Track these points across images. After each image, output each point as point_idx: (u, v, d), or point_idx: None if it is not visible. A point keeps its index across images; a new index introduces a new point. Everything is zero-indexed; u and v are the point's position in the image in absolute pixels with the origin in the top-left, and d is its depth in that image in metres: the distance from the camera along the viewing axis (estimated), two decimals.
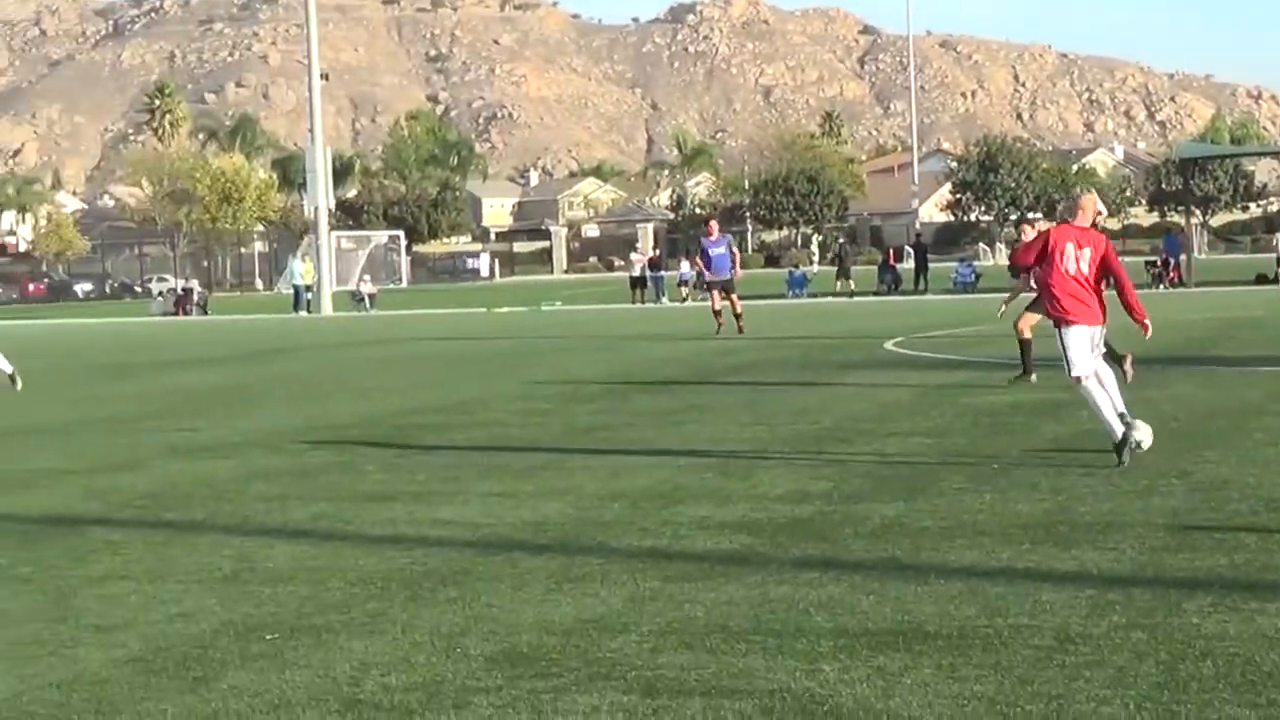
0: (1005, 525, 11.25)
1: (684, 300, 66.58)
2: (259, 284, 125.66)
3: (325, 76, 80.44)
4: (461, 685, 7.56)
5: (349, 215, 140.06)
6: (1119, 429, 13.65)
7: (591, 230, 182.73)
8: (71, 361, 36.64)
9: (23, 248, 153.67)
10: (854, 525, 11.43)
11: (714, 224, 39.22)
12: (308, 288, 71.56)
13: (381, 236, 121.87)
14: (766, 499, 12.72)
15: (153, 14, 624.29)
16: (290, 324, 59.35)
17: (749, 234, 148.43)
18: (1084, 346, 14.00)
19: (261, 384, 27.66)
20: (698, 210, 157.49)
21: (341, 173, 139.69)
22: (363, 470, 15.32)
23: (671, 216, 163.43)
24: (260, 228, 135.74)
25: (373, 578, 10.14)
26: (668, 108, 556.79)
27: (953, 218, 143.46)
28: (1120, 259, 14.70)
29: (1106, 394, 13.88)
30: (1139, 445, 13.75)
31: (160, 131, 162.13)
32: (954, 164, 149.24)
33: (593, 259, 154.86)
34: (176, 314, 75.28)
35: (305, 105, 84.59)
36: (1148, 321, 14.31)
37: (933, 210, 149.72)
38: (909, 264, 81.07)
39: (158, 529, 12.33)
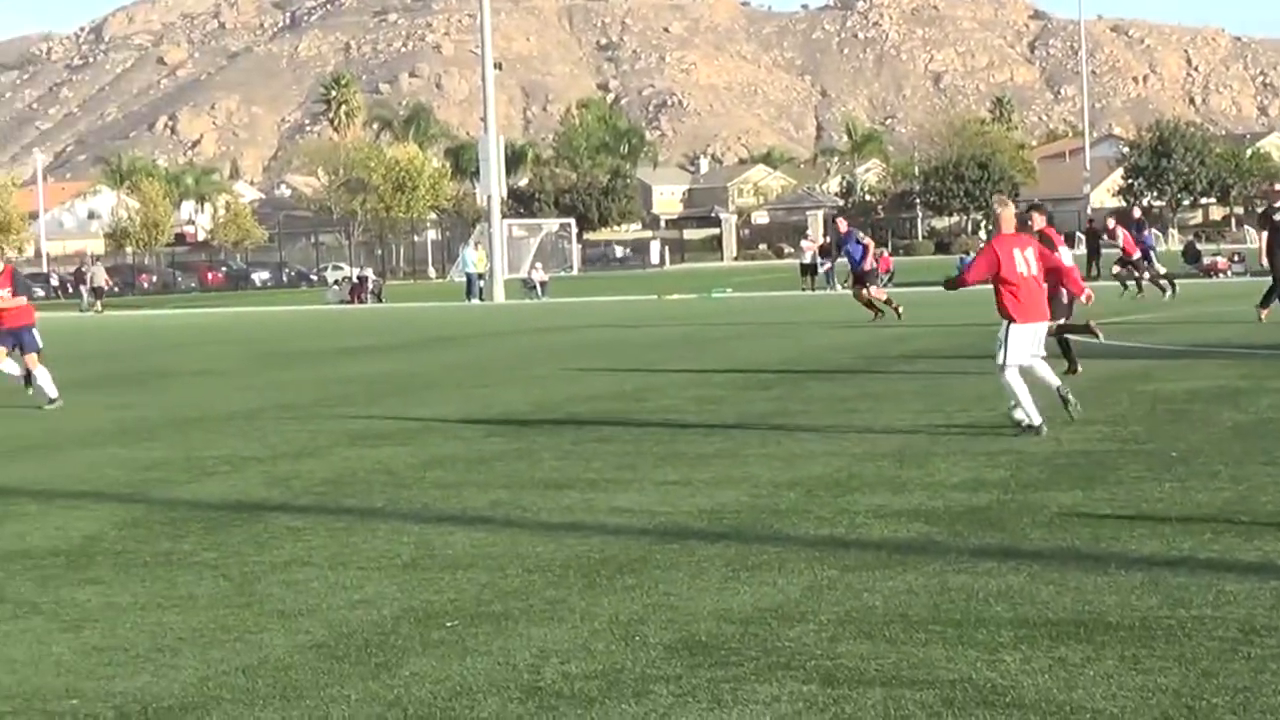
0: (1185, 514, 11.10)
1: (845, 286, 66.21)
2: (432, 272, 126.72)
3: (499, 66, 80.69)
4: (641, 674, 7.58)
5: (521, 203, 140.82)
6: (1037, 418, 15.34)
7: (761, 217, 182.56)
8: (250, 349, 37.15)
9: (201, 237, 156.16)
10: (1031, 514, 11.33)
11: (841, 220, 40.51)
12: (480, 275, 72.03)
13: (553, 224, 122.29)
14: (943, 487, 12.64)
15: (328, 5, 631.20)
16: (463, 311, 59.77)
17: (919, 220, 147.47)
18: (1025, 343, 15.56)
19: (436, 371, 27.88)
20: (867, 197, 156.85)
21: (514, 161, 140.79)
22: (539, 457, 15.40)
23: (841, 203, 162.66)
24: (433, 216, 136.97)
25: (550, 565, 10.19)
26: (837, 94, 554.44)
27: (1124, 203, 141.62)
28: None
29: (1025, 386, 15.45)
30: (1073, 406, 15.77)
31: (336, 122, 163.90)
32: (1126, 149, 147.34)
33: (762, 246, 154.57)
34: (351, 302, 76.16)
35: (478, 94, 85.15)
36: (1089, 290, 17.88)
37: (1104, 196, 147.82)
38: (1081, 249, 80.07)
39: (338, 515, 12.47)
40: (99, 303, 77.96)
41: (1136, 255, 44.55)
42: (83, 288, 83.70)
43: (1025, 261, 15.67)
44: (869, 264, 37.28)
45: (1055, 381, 15.99)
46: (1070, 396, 15.78)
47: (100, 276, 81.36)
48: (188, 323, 58.11)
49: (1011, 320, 15.57)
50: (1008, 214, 16.13)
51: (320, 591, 9.71)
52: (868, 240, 38.11)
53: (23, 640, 8.77)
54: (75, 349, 39.97)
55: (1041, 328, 15.91)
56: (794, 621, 8.46)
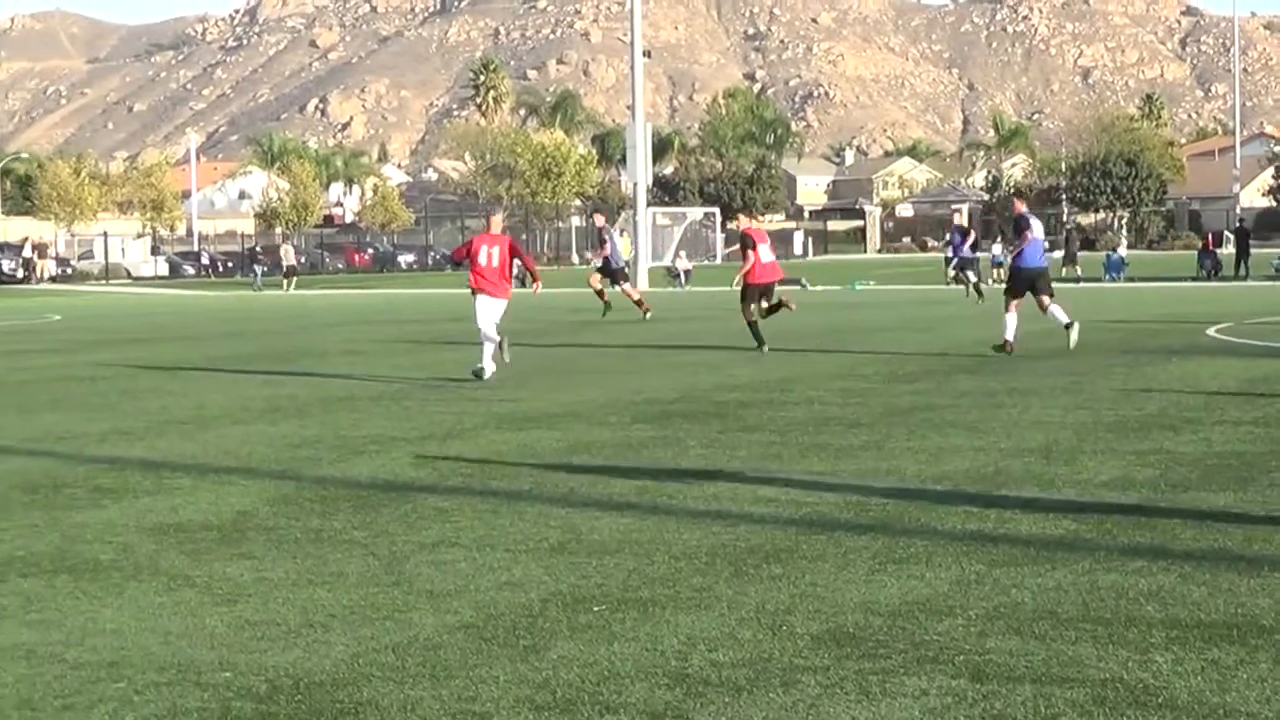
0: None
1: (996, 281, 65.92)
2: (575, 258, 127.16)
3: (647, 54, 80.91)
4: (789, 664, 7.57)
5: (666, 191, 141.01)
6: None
7: (905, 210, 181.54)
8: (398, 330, 37.44)
9: (349, 219, 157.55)
10: (1182, 514, 11.20)
11: (1019, 202, 39.77)
12: (625, 262, 72.14)
13: (697, 213, 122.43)
14: (1092, 485, 12.53)
15: None
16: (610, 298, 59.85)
17: (1065, 216, 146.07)
18: None
19: (581, 356, 27.98)
20: (1013, 192, 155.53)
21: (660, 149, 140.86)
22: (685, 445, 15.42)
23: (987, 197, 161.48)
24: (578, 203, 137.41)
25: (697, 553, 10.20)
26: (984, 88, 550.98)
27: (1275, 203, 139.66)
28: None
29: None
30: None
31: (484, 107, 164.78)
32: (1277, 148, 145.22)
33: (906, 239, 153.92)
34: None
35: (625, 82, 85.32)
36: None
37: (1254, 195, 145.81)
38: (1229, 249, 79.09)
39: (485, 497, 12.55)
40: (290, 281, 79.09)
41: None
42: (257, 267, 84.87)
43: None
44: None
45: None
46: None
47: (291, 256, 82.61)
48: (335, 303, 58.65)
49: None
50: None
51: (468, 572, 9.78)
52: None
53: (177, 613, 8.90)
54: (234, 327, 40.53)
55: None
56: (942, 615, 8.42)
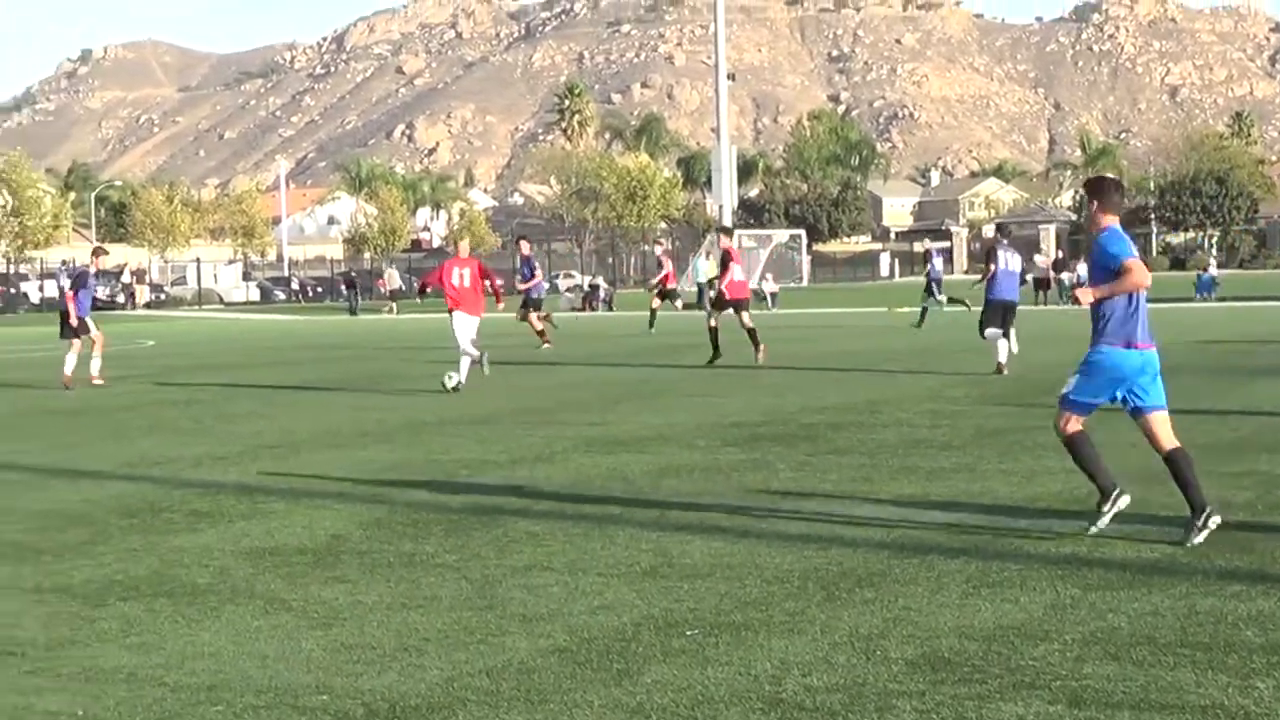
0: None
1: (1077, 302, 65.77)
2: None
3: (731, 77, 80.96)
4: (883, 689, 7.55)
5: (751, 214, 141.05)
6: None
7: (992, 231, 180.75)
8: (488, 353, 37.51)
9: (436, 243, 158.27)
10: None
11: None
12: (710, 285, 72.12)
13: (783, 235, 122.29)
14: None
15: (563, 16, 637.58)
16: (695, 320, 59.91)
17: (1154, 236, 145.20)
18: None
19: (670, 379, 28.00)
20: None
21: (744, 171, 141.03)
22: (774, 468, 15.41)
23: (1074, 218, 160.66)
24: (664, 225, 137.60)
25: (789, 576, 10.19)
26: (1070, 107, 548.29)
27: None
28: None
29: None
30: None
31: (569, 131, 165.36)
32: None
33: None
34: (583, 310, 76.72)
35: (709, 105, 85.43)
36: None
37: None
38: None
39: (576, 522, 12.57)
40: (393, 305, 79.51)
41: None
42: (352, 291, 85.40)
43: None
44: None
45: None
46: None
47: (395, 279, 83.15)
48: (424, 327, 58.86)
49: None
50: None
51: (560, 596, 9.80)
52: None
53: (273, 636, 8.96)
54: (324, 351, 40.76)
55: None
56: (1037, 640, 8.38)
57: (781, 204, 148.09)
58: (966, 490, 13.67)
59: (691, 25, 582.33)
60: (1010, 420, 19.31)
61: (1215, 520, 10.92)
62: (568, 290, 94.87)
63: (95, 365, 30.02)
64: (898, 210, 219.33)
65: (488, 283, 27.89)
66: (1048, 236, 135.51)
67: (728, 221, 75.07)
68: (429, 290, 31.38)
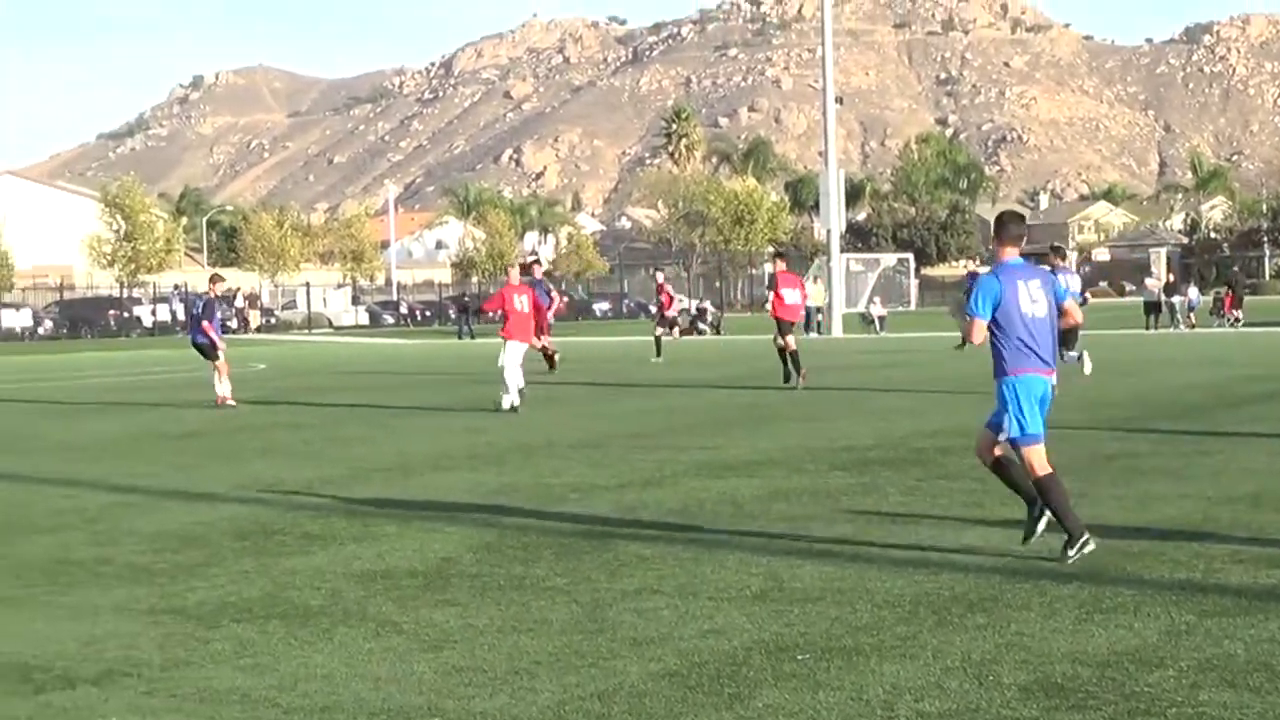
0: None
1: (1193, 326, 65.38)
2: (770, 306, 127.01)
3: (839, 100, 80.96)
4: (996, 714, 7.51)
5: (859, 237, 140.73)
6: None
7: (1102, 254, 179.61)
8: (594, 378, 37.63)
9: (544, 268, 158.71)
10: None
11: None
12: (818, 309, 72.06)
13: (890, 259, 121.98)
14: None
15: (670, 40, 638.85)
16: (802, 345, 59.81)
17: (1266, 259, 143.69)
18: None
19: (777, 403, 27.94)
20: (1212, 235, 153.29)
21: (852, 195, 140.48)
22: (884, 492, 15.36)
23: (1185, 240, 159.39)
24: (771, 249, 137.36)
25: (900, 601, 10.15)
26: (1181, 129, 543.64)
27: None
28: None
29: None
30: None
31: (676, 155, 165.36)
32: None
33: (1103, 283, 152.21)
34: (690, 333, 76.73)
35: (817, 128, 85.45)
36: None
37: None
38: None
39: (686, 546, 12.57)
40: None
41: None
42: (464, 315, 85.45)
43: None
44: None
45: None
46: None
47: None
48: (532, 351, 59.06)
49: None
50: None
51: (671, 620, 9.80)
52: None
53: (385, 658, 9.01)
54: (434, 375, 40.97)
55: None
56: (1152, 667, 8.31)
57: (889, 227, 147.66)
58: (1080, 516, 13.55)
59: (799, 49, 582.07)
60: (1123, 445, 19.17)
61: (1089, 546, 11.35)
62: (675, 314, 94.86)
63: (225, 388, 31.63)
64: None
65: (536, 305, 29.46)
66: (1159, 260, 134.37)
67: (835, 247, 74.94)
68: (490, 314, 32.63)
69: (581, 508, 14.93)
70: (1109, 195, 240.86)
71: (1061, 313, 12.04)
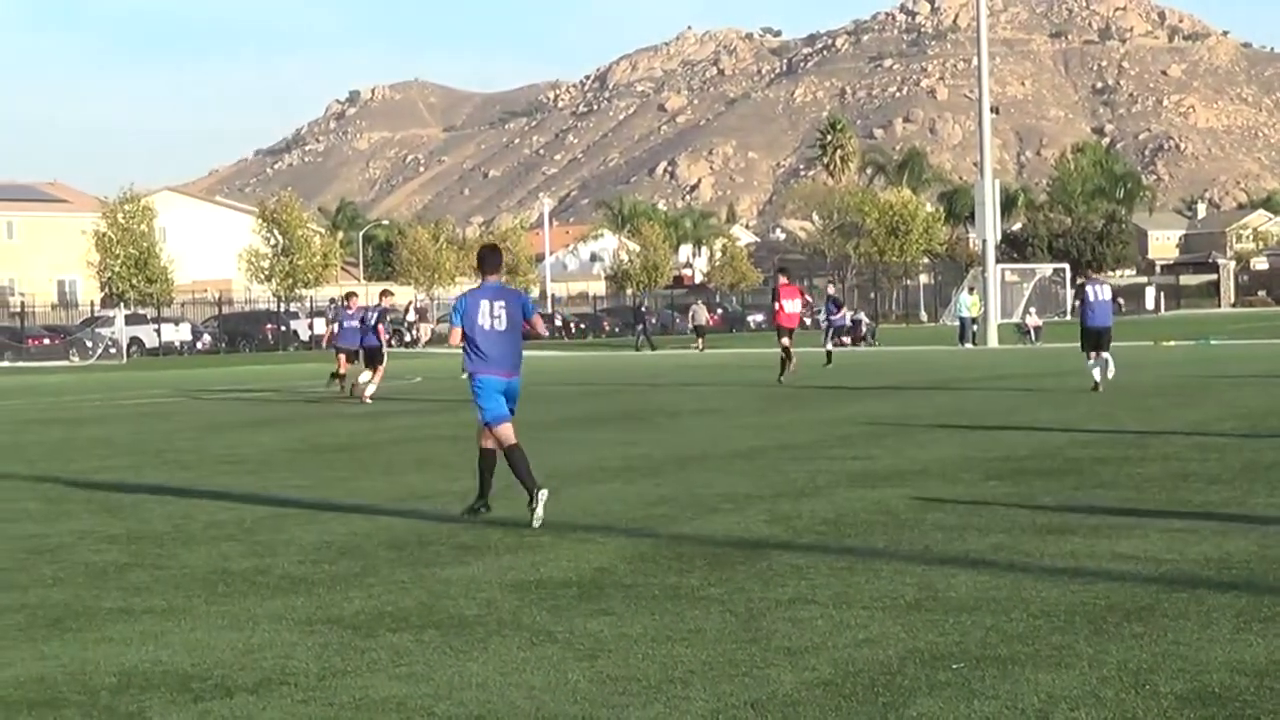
0: None
1: None
2: (924, 315, 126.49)
3: (995, 110, 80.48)
4: None
5: (1014, 248, 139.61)
6: None
7: (1260, 263, 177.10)
8: (748, 389, 37.63)
9: (699, 279, 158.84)
10: None
11: None
12: (974, 320, 71.62)
13: (1046, 269, 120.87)
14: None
15: (825, 52, 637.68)
16: (957, 355, 59.54)
17: None
18: None
19: (932, 413, 27.79)
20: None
21: (1007, 205, 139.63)
22: (1039, 502, 15.25)
23: None
24: (926, 260, 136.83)
25: (1056, 610, 10.08)
26: None
27: None
28: None
29: None
30: None
31: (831, 166, 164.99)
32: None
33: (1261, 292, 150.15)
34: (846, 345, 76.52)
35: (972, 139, 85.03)
36: None
37: None
38: None
39: (840, 555, 12.56)
40: (701, 340, 79.26)
41: None
42: (639, 327, 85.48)
43: None
44: None
45: None
46: None
47: (702, 315, 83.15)
48: (685, 363, 59.14)
49: None
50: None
51: (825, 629, 9.80)
52: None
53: (540, 667, 9.07)
54: (589, 386, 41.15)
55: None
56: None
57: (1045, 237, 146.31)
58: (1236, 525, 13.41)
59: (954, 59, 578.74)
60: None
61: (543, 494, 14.76)
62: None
63: (372, 388, 36.45)
64: (1163, 243, 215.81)
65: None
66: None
67: (990, 257, 74.44)
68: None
69: (735, 518, 14.93)
70: (1268, 204, 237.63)
71: (532, 326, 15.63)
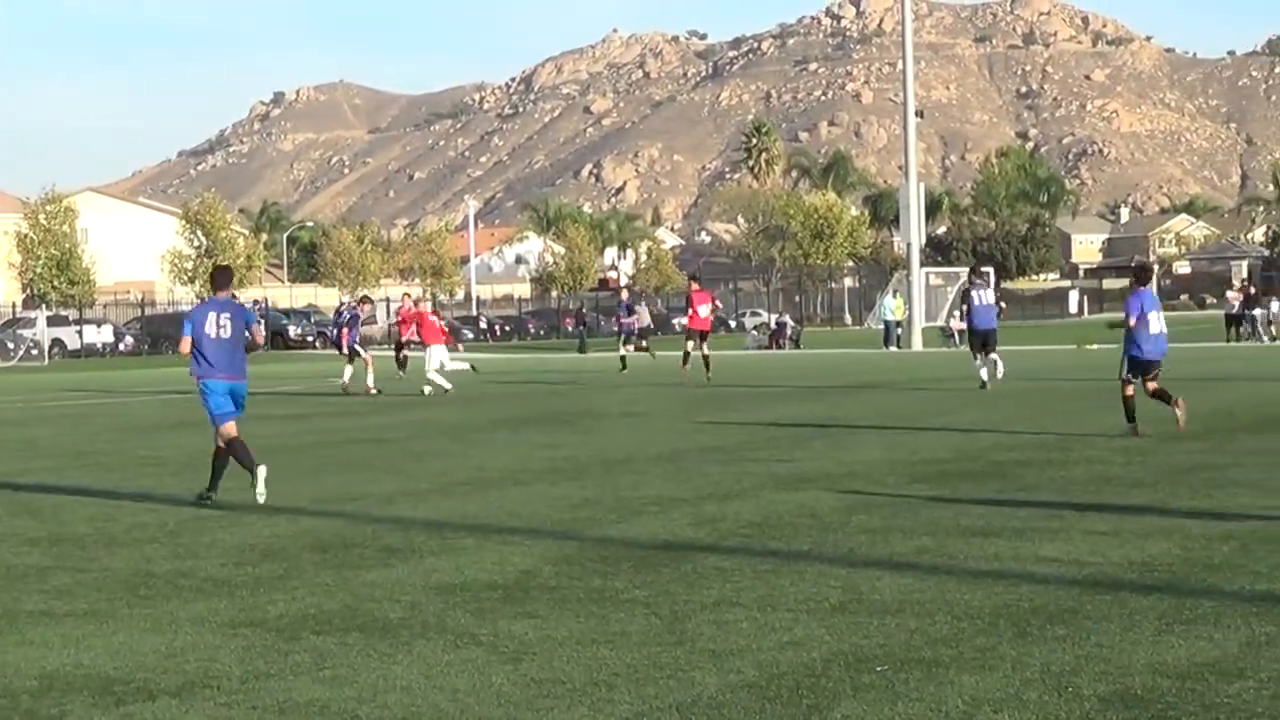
0: None
1: (1275, 338, 65.16)
2: (848, 319, 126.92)
3: (919, 114, 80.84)
4: None
5: (938, 251, 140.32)
6: None
7: (1183, 267, 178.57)
8: (672, 392, 37.63)
9: (623, 282, 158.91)
10: None
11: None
12: (898, 323, 71.94)
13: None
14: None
15: (750, 55, 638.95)
16: (881, 359, 59.76)
17: None
18: None
19: (856, 416, 27.87)
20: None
21: (932, 209, 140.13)
22: (964, 505, 15.31)
23: (1267, 253, 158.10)
24: (851, 263, 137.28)
25: (980, 613, 10.12)
26: (1263, 142, 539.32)
27: None
28: None
29: None
30: None
31: (756, 169, 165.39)
32: None
33: (1183, 296, 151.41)
34: (770, 348, 76.72)
35: (897, 142, 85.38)
36: None
37: None
38: None
39: (764, 558, 12.57)
40: (646, 340, 78.50)
41: None
42: (581, 329, 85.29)
43: None
44: None
45: None
46: None
47: (646, 317, 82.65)
48: (609, 365, 59.13)
49: None
50: None
51: (750, 632, 9.80)
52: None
53: (464, 670, 9.04)
54: (513, 389, 41.07)
55: None
56: (1232, 678, 8.27)
57: (969, 241, 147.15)
58: (1158, 527, 13.51)
59: (879, 63, 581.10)
60: (1202, 458, 19.07)
61: (262, 470, 16.84)
62: (754, 329, 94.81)
63: (370, 379, 40.20)
64: (1087, 247, 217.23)
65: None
66: (1240, 272, 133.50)
67: (915, 260, 74.75)
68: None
69: (660, 520, 14.94)
70: (1190, 208, 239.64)
71: (252, 336, 17.49)
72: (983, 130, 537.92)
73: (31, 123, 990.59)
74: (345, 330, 41.71)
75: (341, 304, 51.67)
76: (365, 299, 45.45)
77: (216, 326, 17.04)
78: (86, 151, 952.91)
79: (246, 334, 17.37)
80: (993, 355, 34.50)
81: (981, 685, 8.28)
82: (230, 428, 17.12)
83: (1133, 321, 22.54)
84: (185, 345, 17.14)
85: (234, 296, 18.49)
